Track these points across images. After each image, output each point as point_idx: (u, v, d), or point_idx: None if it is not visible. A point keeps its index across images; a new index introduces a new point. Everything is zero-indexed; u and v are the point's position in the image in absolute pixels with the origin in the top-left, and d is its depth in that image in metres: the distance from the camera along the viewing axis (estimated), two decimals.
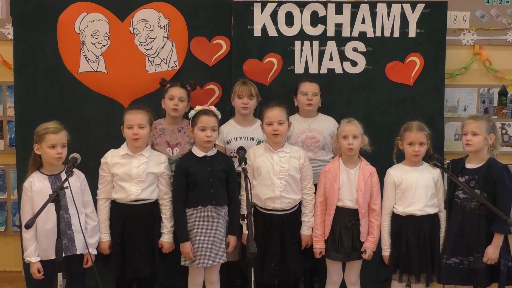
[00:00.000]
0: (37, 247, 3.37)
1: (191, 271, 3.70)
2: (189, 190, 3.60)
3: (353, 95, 4.29)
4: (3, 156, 4.59)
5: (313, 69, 4.26)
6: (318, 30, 4.24)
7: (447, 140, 4.42)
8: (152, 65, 4.27)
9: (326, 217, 3.66)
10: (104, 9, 4.22)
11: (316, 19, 4.24)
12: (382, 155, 3.74)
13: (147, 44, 4.25)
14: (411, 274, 3.58)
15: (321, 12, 4.23)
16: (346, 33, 4.25)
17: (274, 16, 4.22)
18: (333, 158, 3.92)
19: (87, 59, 4.24)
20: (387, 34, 4.26)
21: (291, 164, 3.66)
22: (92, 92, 4.26)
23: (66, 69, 4.23)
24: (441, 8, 4.27)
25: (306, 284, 4.16)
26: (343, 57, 4.26)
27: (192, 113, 3.68)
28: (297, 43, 4.24)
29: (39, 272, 3.35)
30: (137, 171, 3.57)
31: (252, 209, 3.15)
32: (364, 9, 4.24)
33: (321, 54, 4.26)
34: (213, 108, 3.68)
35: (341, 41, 4.25)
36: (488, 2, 4.49)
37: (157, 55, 4.26)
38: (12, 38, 4.28)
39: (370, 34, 4.26)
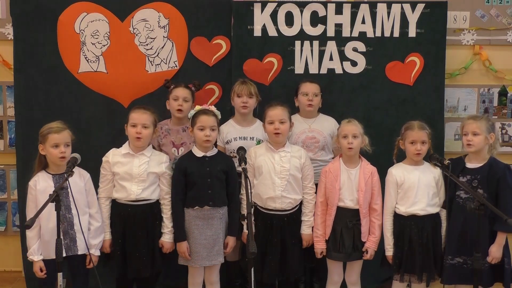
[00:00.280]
0: (40, 245, 3.38)
1: (190, 271, 3.71)
2: (188, 190, 3.60)
3: (353, 95, 4.28)
4: (3, 156, 4.58)
5: (313, 69, 4.26)
6: (318, 30, 4.24)
7: (447, 140, 4.42)
8: (152, 65, 4.27)
9: (327, 217, 3.66)
10: (104, 9, 4.22)
11: (316, 19, 4.24)
12: (382, 155, 3.74)
13: (147, 44, 4.25)
14: (413, 273, 3.58)
15: (321, 12, 4.23)
16: (346, 33, 4.25)
17: (274, 16, 4.22)
18: (333, 158, 3.92)
19: (87, 59, 4.24)
20: (387, 34, 4.26)
21: (292, 164, 3.66)
22: (92, 92, 4.26)
23: (66, 69, 4.23)
24: (441, 8, 4.27)
25: (306, 284, 4.16)
26: (343, 57, 4.26)
27: (191, 113, 3.68)
28: (297, 43, 4.24)
29: (41, 270, 3.36)
30: (138, 171, 3.57)
31: (253, 209, 3.15)
32: (364, 9, 4.24)
33: (321, 54, 4.26)
34: (212, 108, 3.69)
35: (341, 41, 4.25)
36: (488, 2, 4.49)
37: (157, 55, 4.26)
38: (12, 38, 4.28)
39: (370, 34, 4.26)
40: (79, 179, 3.45)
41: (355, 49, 4.26)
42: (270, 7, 4.22)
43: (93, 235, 3.49)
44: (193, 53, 4.26)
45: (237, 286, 4.15)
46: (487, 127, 3.55)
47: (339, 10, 4.24)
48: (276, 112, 3.64)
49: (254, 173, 3.68)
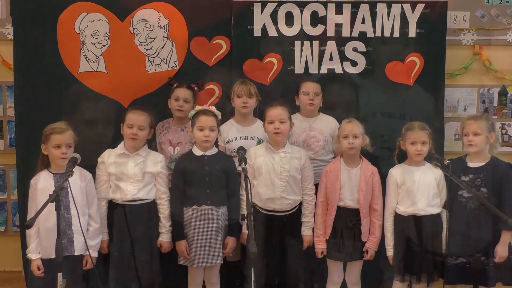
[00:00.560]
0: (39, 244, 3.38)
1: (190, 271, 3.71)
2: (186, 188, 3.61)
3: (353, 95, 4.28)
4: (3, 156, 4.59)
5: (313, 69, 4.26)
6: (318, 30, 4.24)
7: (447, 140, 4.41)
8: (152, 65, 4.27)
9: (328, 217, 3.66)
10: (104, 9, 4.22)
11: (316, 19, 4.23)
12: (383, 156, 3.75)
13: (147, 44, 4.25)
14: (413, 274, 3.58)
15: (321, 12, 4.23)
16: (346, 33, 4.24)
17: (274, 16, 4.22)
18: (333, 158, 3.92)
19: (87, 59, 4.24)
20: (387, 34, 4.26)
21: (292, 165, 3.66)
22: (92, 92, 4.26)
23: (66, 69, 4.23)
24: (441, 8, 4.27)
25: (306, 284, 4.15)
26: (343, 57, 4.26)
27: (191, 113, 3.69)
28: (297, 43, 4.24)
29: (39, 269, 3.36)
30: (133, 171, 3.58)
31: (252, 209, 3.15)
32: (364, 9, 4.23)
33: (321, 54, 4.26)
34: (212, 108, 3.69)
35: (341, 41, 4.25)
36: (488, 2, 4.49)
37: (157, 55, 4.26)
38: (12, 38, 4.28)
39: (370, 34, 4.25)
40: (80, 179, 3.46)
41: (355, 49, 4.25)
42: (270, 7, 4.22)
43: (91, 236, 3.49)
44: (193, 53, 4.26)
45: (237, 286, 4.15)
46: (487, 126, 3.56)
47: (339, 10, 4.23)
48: (276, 112, 3.65)
49: (253, 174, 3.68)
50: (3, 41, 4.48)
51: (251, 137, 3.97)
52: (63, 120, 3.56)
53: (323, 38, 4.25)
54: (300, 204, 3.72)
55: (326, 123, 4.05)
